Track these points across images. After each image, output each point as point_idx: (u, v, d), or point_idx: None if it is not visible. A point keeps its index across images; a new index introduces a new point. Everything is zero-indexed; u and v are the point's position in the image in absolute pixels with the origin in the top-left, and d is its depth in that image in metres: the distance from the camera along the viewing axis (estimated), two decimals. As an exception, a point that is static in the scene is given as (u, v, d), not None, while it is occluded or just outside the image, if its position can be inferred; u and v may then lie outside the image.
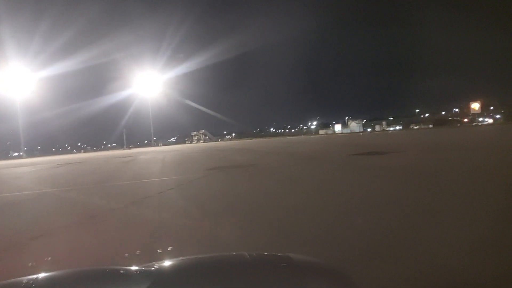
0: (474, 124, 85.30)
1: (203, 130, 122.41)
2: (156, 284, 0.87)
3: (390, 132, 71.93)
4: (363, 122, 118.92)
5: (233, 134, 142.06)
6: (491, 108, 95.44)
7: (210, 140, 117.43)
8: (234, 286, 0.91)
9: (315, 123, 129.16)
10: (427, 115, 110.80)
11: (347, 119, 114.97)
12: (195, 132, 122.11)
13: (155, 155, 28.28)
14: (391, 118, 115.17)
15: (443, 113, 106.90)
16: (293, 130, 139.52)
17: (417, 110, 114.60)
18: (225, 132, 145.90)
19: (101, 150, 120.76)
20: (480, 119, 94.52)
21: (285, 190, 6.39)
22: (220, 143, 69.60)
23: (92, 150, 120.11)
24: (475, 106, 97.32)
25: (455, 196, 4.74)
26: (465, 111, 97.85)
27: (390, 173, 7.49)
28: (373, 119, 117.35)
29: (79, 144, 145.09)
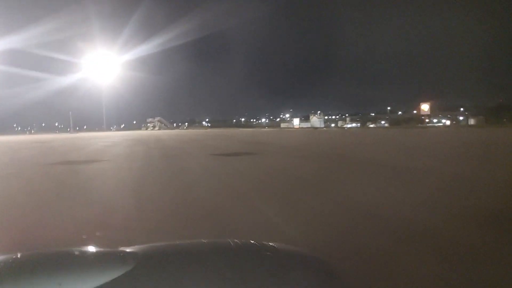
0: (428, 125, 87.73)
1: (158, 118, 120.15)
2: (137, 269, 0.85)
3: (338, 129, 73.46)
4: (337, 117, 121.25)
5: (205, 123, 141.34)
6: (461, 109, 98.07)
7: (167, 127, 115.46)
8: (217, 273, 0.90)
9: (287, 115, 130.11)
10: (399, 113, 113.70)
11: (319, 113, 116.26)
12: (150, 119, 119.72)
13: (73, 141, 28.61)
14: (372, 114, 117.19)
15: (414, 111, 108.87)
16: (264, 121, 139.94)
17: (389, 108, 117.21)
18: (207, 119, 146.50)
19: (51, 132, 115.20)
20: (435, 120, 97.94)
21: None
22: (166, 132, 68.14)
23: (36, 133, 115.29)
24: (425, 107, 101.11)
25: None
26: (421, 111, 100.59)
27: (180, 177, 7.15)
28: (353, 114, 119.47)
29: (56, 124, 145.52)
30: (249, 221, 3.88)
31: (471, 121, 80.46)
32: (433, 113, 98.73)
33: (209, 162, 10.46)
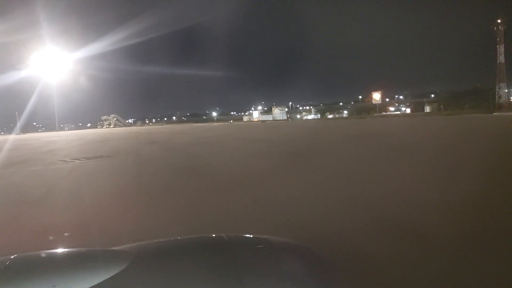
0: (387, 113, 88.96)
1: (113, 115, 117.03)
2: (133, 265, 0.86)
3: (289, 122, 74.29)
4: (309, 108, 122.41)
5: (177, 118, 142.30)
6: (432, 95, 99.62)
7: (124, 125, 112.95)
8: (211, 267, 0.90)
9: (259, 107, 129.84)
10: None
11: (291, 104, 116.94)
12: (105, 117, 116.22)
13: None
14: (352, 103, 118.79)
15: (387, 100, 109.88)
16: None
17: (360, 97, 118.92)
18: (188, 114, 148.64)
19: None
20: (393, 108, 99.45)
21: None
22: (113, 130, 66.64)
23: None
24: (376, 96, 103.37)
25: None
26: (373, 100, 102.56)
27: None
28: (332, 103, 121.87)
29: (34, 123, 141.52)
30: None
31: (427, 109, 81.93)
32: (406, 100, 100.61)
33: (35, 169, 10.42)
